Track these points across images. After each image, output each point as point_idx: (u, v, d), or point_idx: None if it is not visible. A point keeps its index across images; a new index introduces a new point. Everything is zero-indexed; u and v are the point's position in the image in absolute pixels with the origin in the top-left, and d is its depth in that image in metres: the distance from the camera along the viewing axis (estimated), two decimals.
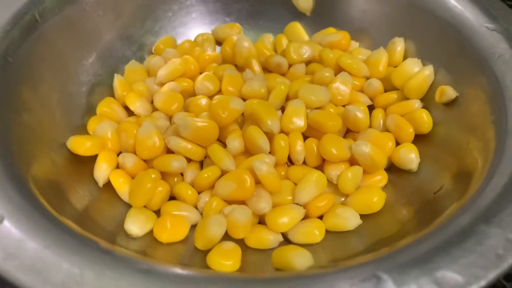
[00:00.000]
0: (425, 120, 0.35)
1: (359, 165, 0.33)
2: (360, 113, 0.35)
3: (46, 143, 0.32)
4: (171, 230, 0.30)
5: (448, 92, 0.35)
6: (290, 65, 0.41)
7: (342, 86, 0.37)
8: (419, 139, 0.36)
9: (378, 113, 0.38)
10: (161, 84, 0.39)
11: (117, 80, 0.39)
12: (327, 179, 0.33)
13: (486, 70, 0.32)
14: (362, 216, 0.32)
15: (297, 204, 0.32)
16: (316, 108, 0.36)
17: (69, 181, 0.31)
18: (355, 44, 0.43)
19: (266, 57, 0.41)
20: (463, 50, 0.35)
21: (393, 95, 0.38)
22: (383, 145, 0.34)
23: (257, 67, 0.40)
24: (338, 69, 0.39)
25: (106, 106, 0.37)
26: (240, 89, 0.37)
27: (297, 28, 0.45)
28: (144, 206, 0.32)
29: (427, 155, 0.34)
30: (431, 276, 0.20)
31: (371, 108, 0.38)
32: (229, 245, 0.30)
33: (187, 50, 0.43)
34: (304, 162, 0.34)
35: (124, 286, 0.20)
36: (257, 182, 0.32)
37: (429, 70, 0.37)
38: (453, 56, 0.36)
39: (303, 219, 0.32)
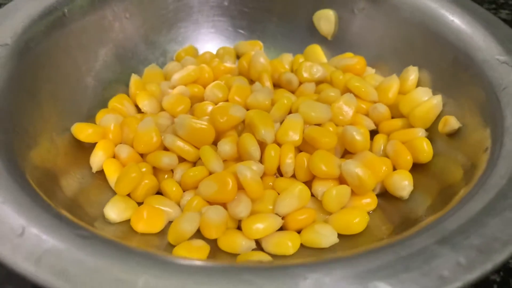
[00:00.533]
0: (425, 149, 0.34)
1: (348, 185, 0.33)
2: (358, 135, 0.34)
3: (51, 127, 0.34)
4: (147, 221, 0.31)
5: (451, 122, 0.34)
6: (300, 83, 0.41)
7: (345, 107, 0.37)
8: (417, 168, 0.34)
9: (380, 139, 0.37)
10: (174, 88, 0.41)
11: (133, 79, 0.41)
12: (314, 195, 0.33)
13: (492, 101, 0.31)
14: (343, 237, 0.31)
15: (276, 214, 0.31)
16: (315, 125, 0.36)
17: (65, 164, 0.33)
18: (371, 71, 0.43)
19: (279, 74, 0.42)
20: (473, 81, 0.34)
21: (398, 122, 0.37)
22: (376, 168, 0.33)
23: (267, 81, 0.41)
24: (347, 92, 0.39)
25: (117, 102, 0.39)
26: (246, 99, 0.38)
27: (317, 50, 0.45)
28: (130, 197, 0.33)
29: (422, 185, 0.33)
30: (363, 285, 0.19)
31: (376, 133, 0.38)
32: (199, 243, 0.30)
33: (206, 60, 0.44)
34: (295, 176, 0.34)
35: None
36: (242, 187, 0.32)
37: (437, 100, 0.36)
38: (463, 86, 0.35)
39: (281, 230, 0.32)
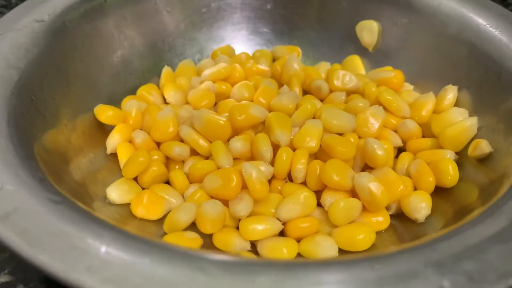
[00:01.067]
0: (450, 172, 0.31)
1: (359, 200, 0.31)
2: (379, 149, 0.32)
3: (74, 105, 0.35)
4: (146, 206, 0.31)
5: (482, 146, 0.31)
6: (331, 91, 0.40)
7: (371, 119, 0.35)
8: (440, 192, 0.32)
9: (405, 157, 0.34)
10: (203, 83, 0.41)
11: (165, 70, 0.41)
12: (323, 206, 0.31)
13: None
14: (345, 252, 0.29)
15: (278, 219, 0.30)
16: (337, 134, 0.34)
17: (80, 142, 0.33)
18: (409, 87, 0.40)
19: (311, 81, 0.41)
20: None
21: (427, 142, 0.35)
22: (393, 186, 0.31)
23: (296, 86, 0.40)
24: (378, 105, 0.37)
25: (145, 90, 0.40)
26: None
27: (356, 61, 0.44)
28: (138, 183, 0.33)
29: (441, 210, 0.30)
30: None
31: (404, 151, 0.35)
32: (191, 235, 0.29)
33: (241, 60, 0.44)
34: (306, 184, 0.33)
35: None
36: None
37: (471, 122, 0.33)
38: (503, 110, 0.32)
39: (281, 236, 0.30)
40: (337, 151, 0.32)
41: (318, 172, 0.32)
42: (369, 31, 0.43)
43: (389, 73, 0.40)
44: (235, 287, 0.18)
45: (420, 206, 0.30)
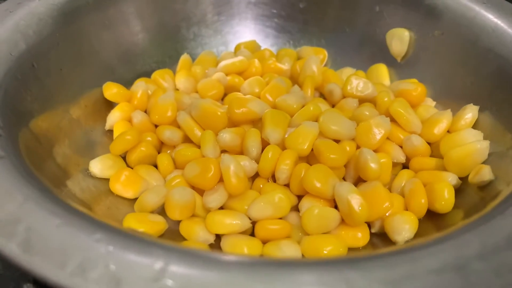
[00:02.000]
0: (444, 197, 0.28)
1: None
2: (372, 161, 0.30)
3: (82, 81, 0.36)
4: (123, 183, 0.31)
5: (483, 173, 0.27)
6: (344, 97, 0.38)
7: (374, 129, 0.32)
8: (434, 217, 0.29)
9: (404, 175, 0.32)
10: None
11: (183, 58, 0.42)
12: (300, 211, 0.30)
13: None
14: None
15: (248, 217, 0.29)
16: (334, 140, 0.32)
17: (79, 114, 0.34)
18: (430, 102, 0.37)
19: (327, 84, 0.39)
20: None
21: (431, 162, 0.32)
22: (378, 202, 0.29)
23: (308, 88, 0.38)
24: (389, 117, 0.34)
25: (160, 75, 0.40)
26: None
27: (382, 70, 0.41)
28: (126, 163, 0.34)
29: (428, 236, 0.27)
30: None
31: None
32: (156, 218, 0.29)
33: (263, 56, 0.43)
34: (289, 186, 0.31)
35: None
36: None
37: (481, 145, 0.29)
38: None
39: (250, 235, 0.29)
40: (326, 157, 0.30)
41: (302, 176, 0.30)
42: (399, 39, 0.40)
43: (410, 85, 0.37)
44: None
45: (402, 228, 0.28)
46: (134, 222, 0.27)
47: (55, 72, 0.33)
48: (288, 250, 0.27)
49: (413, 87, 0.37)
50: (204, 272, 0.17)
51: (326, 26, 0.44)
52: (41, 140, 0.30)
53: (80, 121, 0.34)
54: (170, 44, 0.43)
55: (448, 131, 0.33)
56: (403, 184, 0.31)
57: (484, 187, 0.28)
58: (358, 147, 0.32)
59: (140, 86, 0.37)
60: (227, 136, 0.32)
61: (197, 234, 0.28)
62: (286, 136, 0.32)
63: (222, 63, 0.40)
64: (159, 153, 0.35)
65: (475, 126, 0.33)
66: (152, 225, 0.28)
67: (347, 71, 0.42)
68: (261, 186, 0.31)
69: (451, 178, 0.30)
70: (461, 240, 0.20)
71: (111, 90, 0.36)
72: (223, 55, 0.43)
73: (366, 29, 0.42)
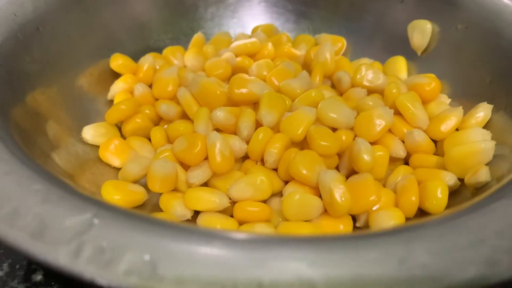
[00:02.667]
0: (437, 196, 0.26)
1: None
2: (365, 152, 0.28)
3: (91, 50, 0.36)
4: (112, 152, 0.31)
5: (480, 173, 0.25)
6: (353, 87, 0.36)
7: (376, 120, 0.30)
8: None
9: (401, 170, 0.30)
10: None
11: (196, 36, 0.41)
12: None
13: None
14: None
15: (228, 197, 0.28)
16: (332, 128, 0.31)
17: (84, 82, 0.35)
18: (445, 99, 0.35)
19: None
20: None
21: (432, 159, 0.30)
22: (364, 195, 0.27)
23: (317, 74, 0.37)
24: (396, 110, 0.32)
25: (171, 51, 0.40)
26: None
27: (400, 63, 0.39)
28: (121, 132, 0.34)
29: None
30: None
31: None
32: (136, 188, 0.29)
33: (279, 41, 0.42)
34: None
35: None
36: None
37: (485, 146, 0.27)
38: None
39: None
40: (316, 143, 0.29)
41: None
42: (420, 32, 0.38)
43: (424, 79, 0.35)
44: None
45: (386, 224, 0.26)
46: (111, 189, 0.27)
47: (62, 38, 0.34)
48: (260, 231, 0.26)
49: (427, 81, 0.34)
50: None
51: (347, 15, 0.43)
52: (38, 101, 0.30)
53: (83, 88, 0.35)
54: (186, 23, 0.42)
55: (457, 130, 0.31)
56: (398, 180, 0.29)
57: (481, 188, 0.26)
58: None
59: (147, 59, 0.37)
60: (221, 114, 0.31)
61: (175, 208, 0.28)
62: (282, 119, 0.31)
63: (234, 44, 0.40)
64: None
65: (487, 126, 0.31)
66: (130, 194, 0.28)
67: (364, 61, 0.41)
68: (249, 168, 0.31)
69: (449, 178, 0.28)
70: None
71: (117, 61, 0.36)
72: (237, 36, 0.43)
73: (388, 19, 0.40)
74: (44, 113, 0.30)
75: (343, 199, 0.26)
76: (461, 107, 0.31)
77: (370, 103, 0.32)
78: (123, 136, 0.33)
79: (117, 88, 0.36)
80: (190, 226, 0.18)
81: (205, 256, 0.16)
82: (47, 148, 0.28)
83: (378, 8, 0.41)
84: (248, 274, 0.16)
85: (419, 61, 0.39)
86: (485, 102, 0.31)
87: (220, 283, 0.15)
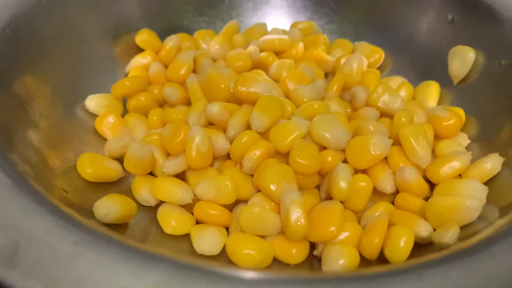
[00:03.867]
0: (399, 245, 0.24)
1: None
2: (343, 180, 0.26)
3: (117, 23, 0.37)
4: (106, 125, 0.32)
5: (445, 234, 0.23)
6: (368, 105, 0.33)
7: (370, 147, 0.28)
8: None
9: (380, 207, 0.28)
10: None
11: (230, 23, 0.41)
12: None
13: None
14: None
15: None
16: (322, 146, 0.29)
17: (103, 49, 0.36)
18: (463, 140, 0.31)
19: None
20: None
21: (417, 203, 0.27)
22: (324, 224, 0.25)
23: (335, 84, 0.35)
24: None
25: (201, 35, 0.41)
26: None
27: (432, 89, 0.35)
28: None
29: None
30: None
31: None
32: (112, 164, 0.29)
33: (315, 42, 0.40)
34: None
35: None
36: None
37: (472, 204, 0.24)
38: None
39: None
40: (293, 159, 0.28)
41: None
42: (461, 59, 0.34)
43: (445, 112, 0.31)
44: None
45: (334, 260, 0.24)
46: (86, 161, 0.28)
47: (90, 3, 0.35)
48: (208, 238, 0.26)
49: (447, 115, 0.31)
50: None
51: (392, 28, 0.39)
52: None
53: (102, 55, 0.36)
54: (225, 9, 0.42)
55: (460, 176, 0.28)
56: (371, 217, 0.27)
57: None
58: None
59: (172, 39, 0.38)
60: (215, 109, 0.31)
61: (141, 193, 0.29)
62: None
63: (262, 38, 0.39)
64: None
65: (492, 181, 0.27)
66: (103, 170, 0.29)
67: (396, 80, 0.37)
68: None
69: (423, 228, 0.25)
70: None
71: (142, 37, 0.37)
72: (271, 30, 0.41)
73: (434, 38, 0.37)
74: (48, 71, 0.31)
75: (298, 223, 0.25)
76: (470, 152, 0.28)
77: (371, 127, 0.30)
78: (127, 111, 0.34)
79: (135, 63, 0.37)
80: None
81: None
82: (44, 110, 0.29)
83: (426, 25, 0.37)
84: None
85: (454, 90, 0.35)
86: (497, 154, 0.27)
87: None
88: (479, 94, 0.33)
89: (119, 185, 0.30)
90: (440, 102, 0.35)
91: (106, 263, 0.18)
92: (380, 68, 0.40)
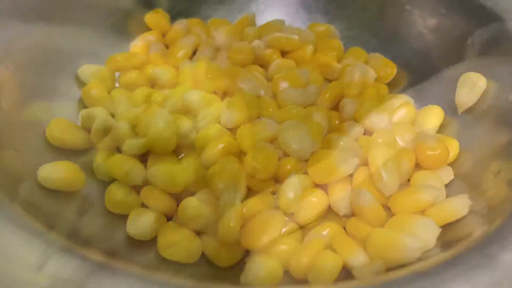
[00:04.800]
0: (323, 270, 0.22)
1: None
2: (291, 190, 0.25)
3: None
4: (91, 95, 0.32)
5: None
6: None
7: (335, 163, 0.26)
8: None
9: (327, 227, 0.26)
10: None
11: (246, 15, 0.40)
12: None
13: None
14: None
15: None
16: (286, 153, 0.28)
17: (111, 29, 0.37)
18: (445, 175, 0.28)
19: None
20: None
21: (365, 230, 0.25)
22: (256, 231, 0.24)
23: (328, 93, 0.33)
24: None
25: (214, 23, 0.40)
26: None
27: (434, 114, 0.32)
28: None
29: None
30: None
31: None
32: (82, 134, 0.30)
33: (329, 47, 0.38)
34: None
35: None
36: None
37: (413, 245, 0.22)
38: None
39: None
40: (247, 161, 0.27)
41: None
42: (470, 87, 0.31)
43: (433, 142, 0.28)
44: None
45: (254, 271, 0.23)
46: (55, 126, 0.29)
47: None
48: (140, 222, 0.26)
49: (434, 145, 0.28)
50: None
51: (410, 43, 0.37)
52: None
53: (105, 29, 0.36)
54: (246, 1, 0.41)
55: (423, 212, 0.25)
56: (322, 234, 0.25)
57: None
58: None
59: (181, 23, 0.38)
60: (193, 97, 0.31)
61: (97, 168, 0.29)
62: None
63: (275, 34, 0.37)
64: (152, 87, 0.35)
65: (457, 225, 0.24)
66: (70, 136, 0.29)
67: (401, 98, 0.35)
68: None
69: (356, 259, 0.23)
70: None
71: (152, 16, 0.38)
72: (284, 28, 0.40)
73: (449, 59, 0.34)
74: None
75: (229, 225, 0.24)
76: (442, 189, 0.25)
77: (341, 143, 0.28)
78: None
79: (137, 42, 0.37)
80: None
81: None
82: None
83: (445, 47, 0.34)
84: None
85: (458, 120, 0.32)
86: (466, 195, 0.24)
87: None
88: (479, 128, 0.30)
89: (85, 153, 0.30)
90: (442, 130, 0.32)
91: None
92: (392, 84, 0.37)
